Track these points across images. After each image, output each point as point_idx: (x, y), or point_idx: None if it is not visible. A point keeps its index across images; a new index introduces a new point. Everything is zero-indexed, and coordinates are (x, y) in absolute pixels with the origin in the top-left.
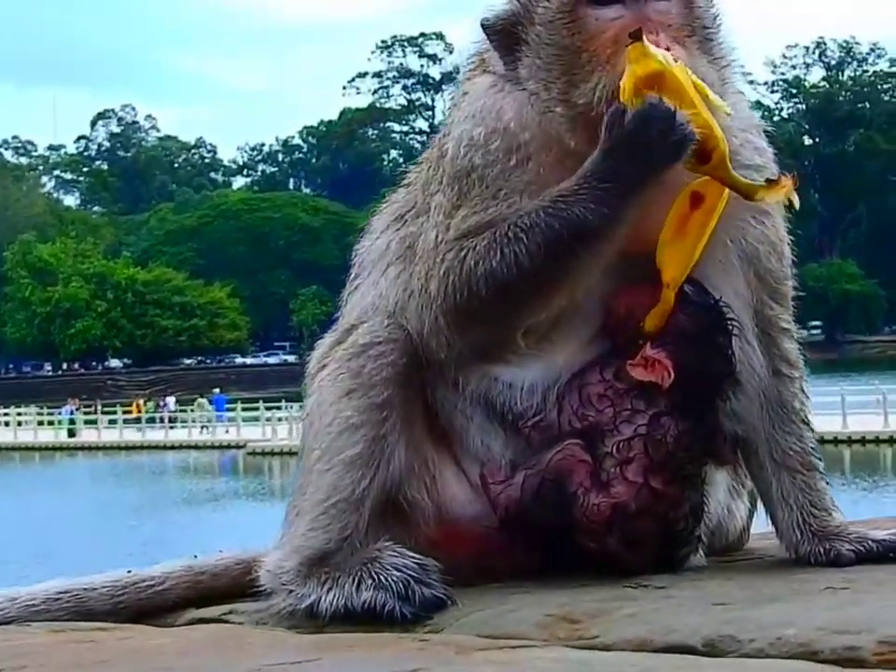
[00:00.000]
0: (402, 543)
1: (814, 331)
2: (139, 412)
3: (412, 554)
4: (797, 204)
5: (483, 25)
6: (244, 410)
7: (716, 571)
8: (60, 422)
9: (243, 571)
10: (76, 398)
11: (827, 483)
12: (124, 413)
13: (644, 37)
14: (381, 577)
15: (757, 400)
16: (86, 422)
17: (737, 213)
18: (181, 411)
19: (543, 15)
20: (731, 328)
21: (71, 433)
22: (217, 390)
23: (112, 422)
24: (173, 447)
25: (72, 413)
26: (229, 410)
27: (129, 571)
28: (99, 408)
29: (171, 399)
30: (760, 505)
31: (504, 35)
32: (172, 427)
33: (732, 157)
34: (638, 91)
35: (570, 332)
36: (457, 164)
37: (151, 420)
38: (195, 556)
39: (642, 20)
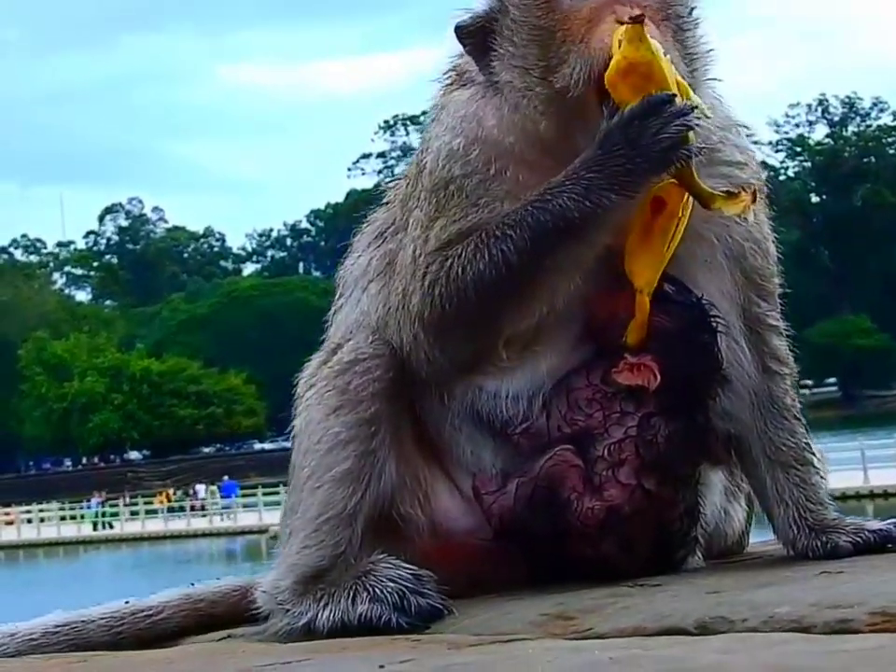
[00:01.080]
0: (397, 557)
1: (830, 388)
2: (168, 501)
3: (406, 565)
4: (751, 219)
5: (458, 28)
6: (264, 495)
7: (712, 569)
8: (83, 516)
9: (240, 597)
10: (101, 491)
11: (822, 477)
12: (155, 503)
13: (645, 23)
14: (376, 589)
15: (748, 398)
16: (110, 514)
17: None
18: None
19: None
20: (715, 325)
21: (95, 526)
22: (226, 477)
23: (134, 513)
24: (195, 535)
25: (99, 505)
26: (247, 496)
27: (127, 602)
28: (127, 499)
29: (201, 487)
30: (758, 507)
31: (479, 34)
32: (193, 516)
33: (711, 154)
34: (622, 73)
35: (553, 338)
36: (436, 177)
37: (172, 510)
38: (192, 584)
39: None
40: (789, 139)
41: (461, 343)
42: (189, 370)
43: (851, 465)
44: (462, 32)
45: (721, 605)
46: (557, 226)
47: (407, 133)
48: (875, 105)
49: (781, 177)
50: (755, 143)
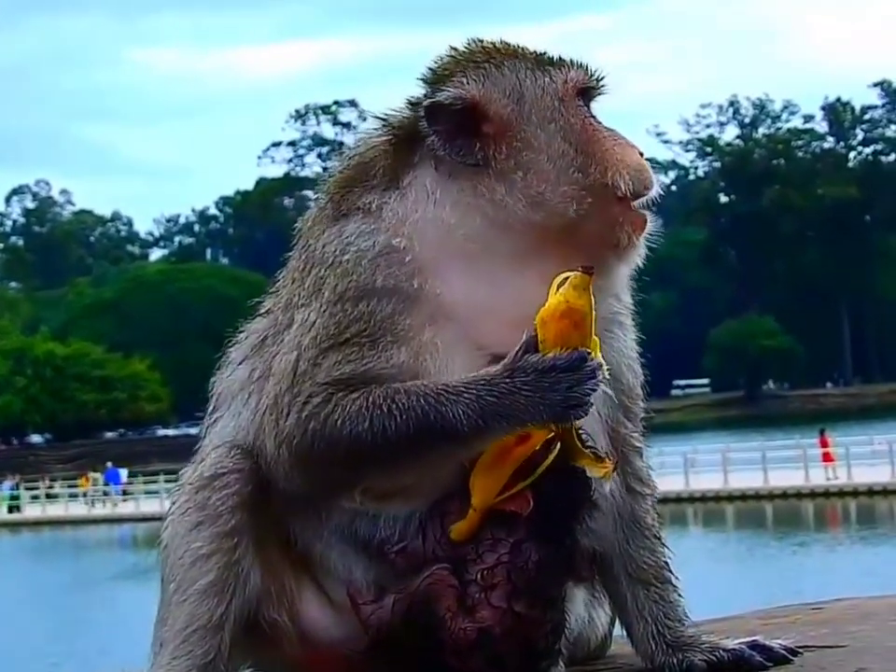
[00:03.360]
0: (269, 665)
1: (733, 388)
2: (87, 485)
3: None
4: (608, 488)
5: (433, 106)
6: (166, 482)
7: None
8: None
9: None
10: (14, 474)
11: (679, 595)
12: (73, 487)
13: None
14: None
15: (612, 517)
16: (13, 497)
17: (602, 325)
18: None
19: (548, 94)
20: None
21: (10, 509)
22: (109, 464)
23: (35, 498)
24: (95, 521)
25: (12, 489)
26: (149, 482)
27: None
28: (47, 483)
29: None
30: None
31: (462, 117)
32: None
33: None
34: (558, 315)
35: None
36: (351, 281)
37: (73, 496)
38: None
39: None
40: (699, 139)
41: (320, 477)
42: (93, 354)
43: (752, 465)
44: (441, 109)
45: None
46: (445, 429)
47: (318, 123)
48: (785, 107)
49: (691, 177)
50: (665, 142)
